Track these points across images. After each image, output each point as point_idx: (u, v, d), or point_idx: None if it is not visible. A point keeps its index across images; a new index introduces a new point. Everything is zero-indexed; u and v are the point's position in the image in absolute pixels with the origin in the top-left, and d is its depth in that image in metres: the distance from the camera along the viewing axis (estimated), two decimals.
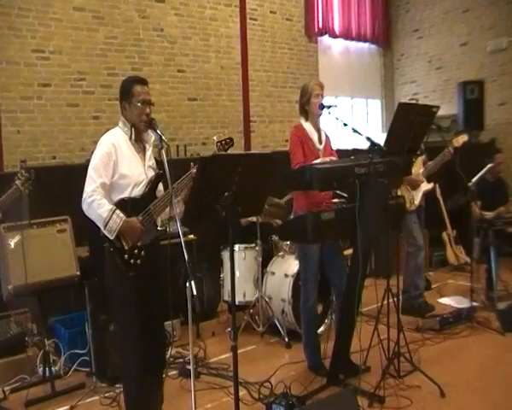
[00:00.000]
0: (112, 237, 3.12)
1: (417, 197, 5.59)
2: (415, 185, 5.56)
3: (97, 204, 3.09)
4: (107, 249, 3.20)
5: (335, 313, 4.42)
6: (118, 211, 3.11)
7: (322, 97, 4.17)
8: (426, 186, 5.67)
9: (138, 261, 3.20)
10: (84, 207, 3.14)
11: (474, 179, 5.83)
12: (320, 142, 4.23)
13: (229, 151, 3.60)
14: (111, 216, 3.08)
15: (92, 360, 4.50)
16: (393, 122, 3.87)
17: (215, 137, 3.58)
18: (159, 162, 3.28)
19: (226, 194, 2.81)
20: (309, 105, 4.16)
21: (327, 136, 4.35)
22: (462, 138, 5.54)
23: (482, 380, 4.18)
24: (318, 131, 4.27)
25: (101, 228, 3.11)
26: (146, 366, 3.24)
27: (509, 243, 6.12)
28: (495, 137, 8.94)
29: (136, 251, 3.20)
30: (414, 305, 5.62)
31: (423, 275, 5.79)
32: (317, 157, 4.12)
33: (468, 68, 9.52)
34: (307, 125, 4.20)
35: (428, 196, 5.90)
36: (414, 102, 5.48)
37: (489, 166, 6.06)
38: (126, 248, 3.18)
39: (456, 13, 9.68)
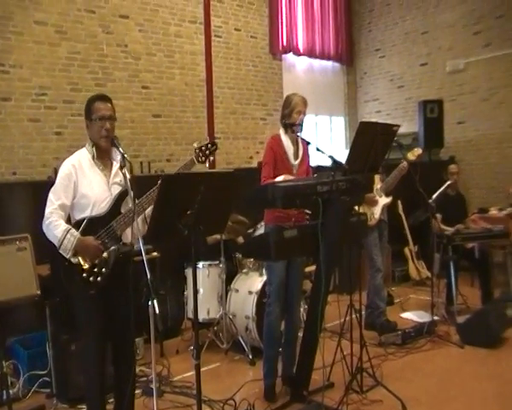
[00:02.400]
0: (67, 257, 3.13)
1: (377, 212, 5.66)
2: (371, 203, 5.64)
3: (53, 225, 3.13)
4: (67, 269, 3.18)
5: (285, 327, 4.38)
6: (72, 230, 3.13)
7: (304, 115, 4.15)
8: (385, 200, 5.74)
9: (99, 279, 3.17)
10: (44, 229, 3.18)
11: (434, 196, 5.97)
12: (296, 157, 4.17)
13: (203, 163, 3.41)
14: (65, 236, 3.10)
15: (53, 381, 4.40)
16: (355, 140, 3.95)
17: (195, 144, 3.40)
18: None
19: (188, 212, 2.81)
20: (290, 119, 4.12)
21: (306, 152, 4.28)
22: (417, 151, 5.67)
23: (443, 393, 4.26)
24: (296, 144, 4.21)
25: (58, 248, 3.13)
26: (115, 384, 3.25)
27: (467, 258, 6.28)
28: (454, 154, 9.17)
29: (96, 269, 3.18)
30: (376, 324, 5.67)
31: (384, 293, 5.83)
32: (290, 171, 4.08)
33: (428, 88, 9.77)
34: (285, 138, 4.16)
35: (391, 212, 5.99)
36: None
37: (448, 183, 6.21)
38: (85, 266, 3.16)
39: (416, 34, 9.94)
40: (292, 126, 4.09)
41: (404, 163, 5.55)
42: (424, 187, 5.43)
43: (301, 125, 4.12)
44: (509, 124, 8.75)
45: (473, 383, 4.42)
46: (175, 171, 3.35)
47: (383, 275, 5.77)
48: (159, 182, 3.17)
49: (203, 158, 3.34)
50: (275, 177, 3.98)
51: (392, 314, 6.12)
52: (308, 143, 3.93)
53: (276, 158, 4.07)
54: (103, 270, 3.19)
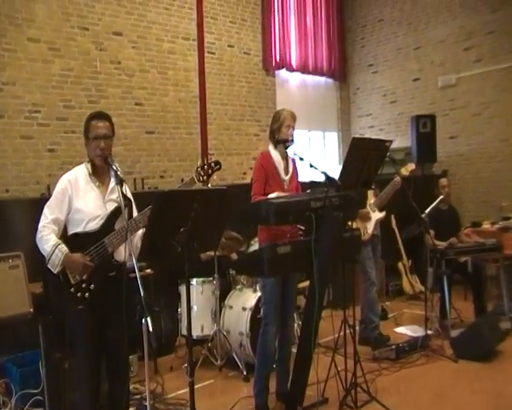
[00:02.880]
0: (55, 272, 3.17)
1: (370, 227, 5.68)
2: (365, 218, 5.66)
3: (44, 239, 3.19)
4: (56, 284, 3.22)
5: (279, 343, 4.37)
6: (61, 246, 3.17)
7: (293, 129, 4.16)
8: (378, 215, 5.77)
9: (86, 295, 3.19)
10: (37, 243, 3.24)
11: (427, 211, 5.99)
12: (286, 172, 4.18)
13: (204, 183, 3.41)
14: (54, 251, 3.14)
15: (46, 400, 4.35)
16: (348, 156, 3.97)
17: (199, 163, 3.38)
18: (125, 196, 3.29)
19: (182, 229, 2.82)
20: (279, 134, 4.12)
21: (295, 166, 4.30)
22: (410, 166, 5.70)
23: (437, 407, 4.27)
24: (286, 160, 4.23)
25: (46, 263, 3.18)
26: (109, 401, 3.28)
27: (460, 272, 6.30)
28: (447, 168, 9.23)
29: (84, 285, 3.20)
30: (370, 338, 5.67)
31: (378, 308, 5.84)
32: (282, 187, 4.09)
33: (421, 103, 9.86)
34: (274, 153, 4.16)
35: (384, 226, 6.01)
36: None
37: (440, 198, 6.24)
38: (73, 281, 3.19)
39: (409, 50, 10.04)
40: (285, 142, 4.10)
41: (398, 178, 5.58)
42: (417, 201, 5.45)
43: (292, 140, 4.14)
44: (500, 138, 8.83)
45: (467, 397, 4.41)
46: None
47: (377, 289, 5.78)
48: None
49: (204, 177, 3.31)
50: (266, 193, 3.99)
51: (386, 329, 6.12)
52: (301, 159, 3.94)
53: (267, 174, 4.07)
54: (91, 286, 3.21)
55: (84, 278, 3.20)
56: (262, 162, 4.14)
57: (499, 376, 4.81)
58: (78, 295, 3.19)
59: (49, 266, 3.18)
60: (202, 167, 3.32)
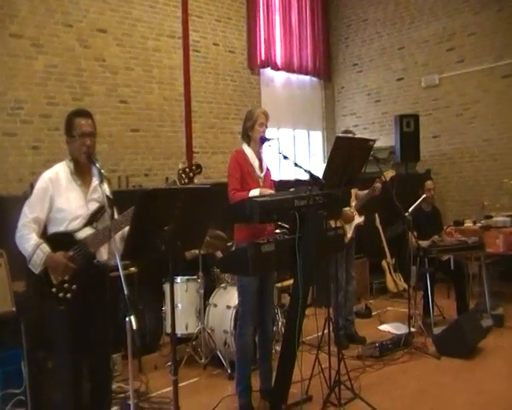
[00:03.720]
0: (36, 272, 3.12)
1: (350, 231, 5.73)
2: (348, 219, 5.69)
3: (25, 239, 3.13)
4: (38, 284, 3.18)
5: (259, 342, 4.38)
6: (42, 246, 3.12)
7: (267, 127, 4.20)
8: (358, 219, 5.82)
9: (68, 295, 3.16)
10: (16, 241, 3.19)
11: (410, 209, 6.04)
12: (261, 169, 4.23)
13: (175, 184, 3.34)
14: (35, 251, 3.09)
15: (28, 400, 4.31)
16: (331, 155, 3.99)
17: (180, 165, 3.36)
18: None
19: (166, 228, 2.82)
20: (252, 131, 4.17)
21: (267, 167, 4.36)
22: (391, 173, 5.71)
23: (420, 404, 4.31)
24: (260, 158, 4.27)
25: (27, 263, 3.12)
26: (91, 401, 3.25)
27: (443, 270, 6.36)
28: (430, 168, 9.32)
29: (66, 285, 3.17)
30: (337, 337, 5.46)
31: (343, 311, 5.76)
32: (258, 184, 4.13)
33: (405, 102, 9.94)
34: (249, 151, 4.21)
35: (368, 225, 6.05)
36: (350, 135, 5.60)
37: (423, 196, 6.30)
38: (54, 282, 3.15)
39: (393, 49, 10.12)
40: (266, 141, 4.12)
41: (379, 185, 5.61)
42: (401, 200, 5.50)
43: (263, 140, 4.15)
44: (482, 138, 8.93)
45: (449, 393, 4.47)
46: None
47: (344, 293, 5.76)
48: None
49: (186, 180, 3.29)
50: (243, 190, 4.00)
51: (369, 326, 6.19)
52: (285, 158, 3.96)
53: (242, 171, 4.11)
54: (73, 286, 3.18)
55: (66, 278, 3.16)
56: (236, 158, 4.18)
57: (481, 372, 4.87)
58: (60, 295, 3.15)
59: (30, 266, 3.13)
60: (184, 170, 3.31)
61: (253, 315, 4.17)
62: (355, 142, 4.32)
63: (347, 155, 3.95)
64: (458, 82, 9.17)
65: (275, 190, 4.31)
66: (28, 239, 3.12)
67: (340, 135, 5.25)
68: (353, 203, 5.76)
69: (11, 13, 6.51)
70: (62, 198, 3.23)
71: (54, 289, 3.15)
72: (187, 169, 3.32)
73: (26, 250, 3.13)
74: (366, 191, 5.73)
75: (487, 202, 7.85)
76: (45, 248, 3.13)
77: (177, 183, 3.31)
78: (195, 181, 3.33)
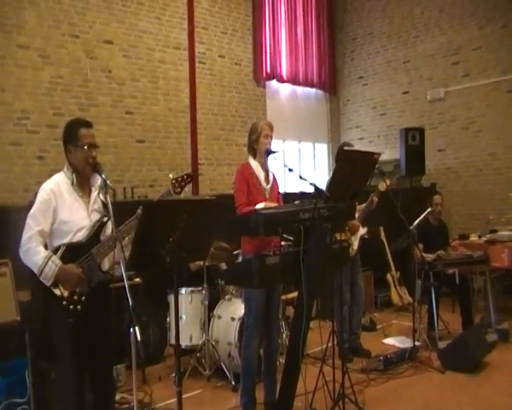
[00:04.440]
0: (48, 284, 3.09)
1: (355, 243, 5.72)
2: (354, 229, 5.68)
3: (33, 251, 3.09)
4: (46, 296, 3.15)
5: (264, 354, 4.37)
6: (54, 258, 3.10)
7: (271, 138, 4.22)
8: (362, 231, 5.80)
9: (78, 307, 3.15)
10: (21, 254, 3.14)
11: (415, 223, 6.03)
12: (267, 182, 4.25)
13: (178, 194, 3.42)
14: (46, 263, 3.06)
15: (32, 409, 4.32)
16: (336, 168, 3.99)
17: (171, 175, 3.41)
18: (104, 205, 3.27)
19: (171, 239, 2.82)
20: (257, 144, 4.19)
21: (274, 177, 4.37)
22: (384, 184, 5.65)
23: None
24: (266, 170, 4.29)
25: (38, 275, 3.08)
26: None
27: (448, 284, 6.33)
28: (435, 181, 9.31)
29: (76, 297, 3.15)
30: (342, 350, 5.58)
31: (347, 325, 5.76)
32: (264, 196, 4.15)
33: (410, 115, 9.96)
34: (254, 164, 4.23)
35: (373, 238, 6.03)
36: (350, 147, 5.60)
37: (428, 210, 6.28)
38: (65, 295, 3.13)
39: (398, 63, 10.15)
40: (271, 153, 4.14)
41: (375, 198, 5.61)
42: (406, 214, 5.48)
43: (268, 153, 4.18)
44: (487, 152, 8.93)
45: (453, 407, 4.44)
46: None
47: (348, 307, 5.72)
48: (138, 211, 3.18)
49: (179, 189, 3.33)
50: (250, 203, 4.03)
51: (374, 340, 6.15)
52: (290, 171, 3.96)
53: (248, 184, 4.13)
54: (83, 298, 3.17)
55: (76, 290, 3.15)
56: (242, 171, 4.20)
57: (485, 387, 4.84)
58: (71, 307, 3.14)
59: (41, 279, 3.09)
60: (176, 179, 3.36)
61: (259, 327, 4.18)
62: (360, 155, 4.31)
63: (352, 168, 3.93)
64: (464, 96, 9.18)
65: (282, 201, 4.33)
66: (37, 252, 3.09)
67: (346, 148, 5.23)
68: (356, 215, 5.74)
69: (19, 24, 6.57)
70: (66, 210, 3.20)
71: (64, 302, 3.13)
72: (179, 178, 3.36)
73: (35, 263, 3.08)
74: (364, 205, 5.71)
75: (492, 216, 7.82)
76: (56, 260, 3.10)
77: (172, 192, 3.33)
78: (186, 189, 3.37)
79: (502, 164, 8.79)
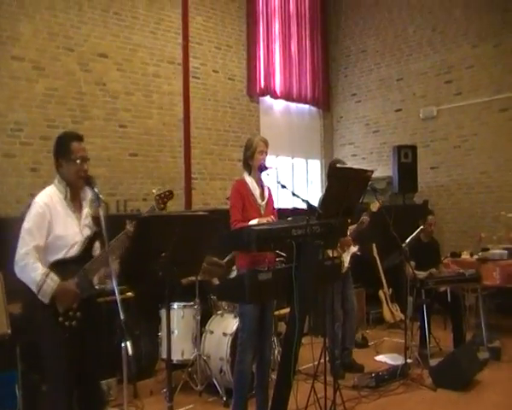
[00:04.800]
0: (46, 301, 3.06)
1: (346, 260, 5.72)
2: (346, 246, 5.69)
3: (31, 268, 3.05)
4: (41, 312, 3.12)
5: (257, 370, 4.35)
6: (52, 274, 3.07)
7: (266, 154, 4.24)
8: (353, 249, 5.82)
9: (74, 323, 3.13)
10: (17, 270, 3.09)
11: (408, 240, 6.05)
12: (262, 198, 4.26)
13: (167, 210, 3.48)
14: (45, 280, 3.03)
15: None
16: (329, 185, 4.01)
17: (154, 191, 3.47)
18: (94, 219, 3.26)
19: (163, 254, 2.81)
20: (253, 160, 4.20)
21: (270, 193, 4.38)
22: (376, 205, 5.64)
23: None
24: (261, 186, 4.30)
25: (35, 292, 3.05)
26: None
27: (440, 301, 6.34)
28: (428, 199, 9.36)
29: (71, 313, 3.13)
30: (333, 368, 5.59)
31: (337, 341, 5.75)
32: (259, 213, 4.15)
33: (403, 133, 10.02)
34: (250, 180, 4.24)
35: (365, 255, 6.04)
36: (342, 165, 5.63)
37: (420, 228, 6.30)
38: (60, 310, 3.11)
39: (391, 81, 10.23)
40: (265, 169, 4.16)
41: (367, 218, 5.62)
42: (398, 231, 5.50)
43: (261, 169, 4.19)
44: (479, 170, 9.00)
45: None
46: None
47: (340, 324, 5.71)
48: (127, 226, 3.16)
49: (162, 205, 3.36)
50: (244, 220, 4.03)
51: (366, 357, 6.13)
52: (283, 187, 3.97)
53: (243, 200, 4.14)
54: (78, 313, 3.15)
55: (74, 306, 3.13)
56: (237, 188, 4.21)
57: (476, 405, 4.83)
58: (66, 324, 3.12)
59: (39, 296, 3.05)
60: (160, 196, 3.40)
61: (253, 342, 4.16)
62: (352, 172, 4.34)
63: (345, 185, 3.95)
64: (456, 114, 9.27)
65: (277, 216, 4.33)
66: (35, 268, 3.05)
67: (339, 166, 5.25)
68: (348, 233, 5.74)
69: (14, 36, 6.59)
70: (60, 224, 3.18)
71: (61, 318, 3.11)
72: (161, 194, 3.40)
73: (32, 280, 3.04)
74: (354, 226, 5.72)
75: (484, 234, 7.85)
76: (55, 277, 3.07)
77: (155, 208, 3.36)
78: (168, 205, 3.41)
79: (493, 182, 8.86)
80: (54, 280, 3.06)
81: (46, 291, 3.03)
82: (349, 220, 5.66)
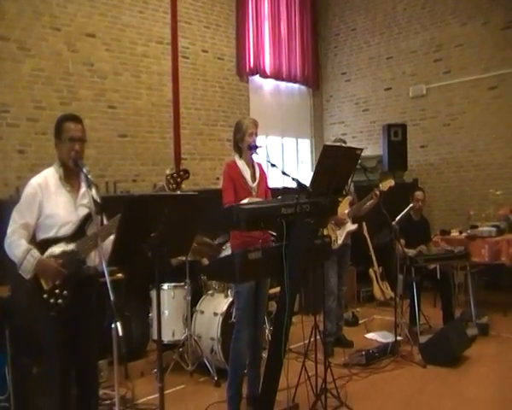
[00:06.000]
0: (27, 277, 3.09)
1: (341, 237, 5.73)
2: (340, 224, 5.71)
3: (15, 245, 3.11)
4: (27, 289, 3.15)
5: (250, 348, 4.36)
6: (33, 251, 3.10)
7: (256, 135, 4.22)
8: (350, 227, 5.81)
9: (60, 301, 3.13)
10: (6, 248, 3.15)
11: (398, 218, 6.07)
12: (254, 179, 4.24)
13: (174, 191, 3.30)
14: (25, 256, 3.07)
15: (12, 407, 4.27)
16: (319, 164, 4.00)
17: (167, 171, 3.32)
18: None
19: (152, 234, 2.80)
20: (243, 142, 4.17)
21: (262, 170, 4.36)
22: (389, 183, 5.73)
23: None
24: (253, 167, 4.28)
25: (18, 268, 3.09)
26: (77, 407, 3.26)
27: (429, 278, 6.39)
28: (417, 177, 9.39)
29: (57, 291, 3.14)
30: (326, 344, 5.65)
31: (334, 316, 5.77)
32: (250, 195, 4.12)
33: (393, 112, 10.01)
34: (240, 163, 4.21)
35: (356, 233, 6.06)
36: (340, 143, 5.64)
37: (410, 205, 6.33)
38: (45, 288, 3.12)
39: (381, 59, 10.19)
40: (255, 148, 4.14)
41: (376, 192, 5.62)
42: (388, 209, 5.53)
43: (251, 148, 4.16)
44: (469, 149, 9.03)
45: (434, 401, 4.49)
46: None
47: (335, 298, 5.76)
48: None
49: (174, 186, 3.28)
50: (236, 201, 4.00)
51: (356, 334, 6.19)
52: (273, 166, 3.96)
53: (234, 183, 4.13)
54: (64, 292, 3.15)
55: (57, 283, 3.13)
56: (228, 171, 4.19)
57: (465, 380, 4.91)
58: (51, 301, 3.13)
59: (20, 272, 3.10)
60: (172, 176, 3.29)
61: (249, 320, 4.18)
62: (342, 150, 4.34)
63: (334, 163, 3.95)
64: (445, 93, 9.26)
65: (271, 196, 4.33)
66: (18, 245, 3.10)
67: (328, 143, 5.26)
68: (346, 211, 5.76)
69: None
70: (52, 204, 3.20)
71: (45, 295, 3.12)
72: (174, 174, 3.30)
73: (16, 256, 3.10)
74: (363, 201, 5.73)
75: (473, 211, 7.91)
76: (36, 253, 3.10)
77: (166, 188, 3.29)
78: (183, 186, 3.31)
79: (482, 160, 8.90)
80: (34, 256, 3.09)
81: (26, 267, 3.08)
82: (349, 198, 5.76)
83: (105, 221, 3.36)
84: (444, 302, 6.33)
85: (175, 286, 5.38)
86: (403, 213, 6.21)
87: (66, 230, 3.21)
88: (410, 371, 5.18)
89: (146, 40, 8.00)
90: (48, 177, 3.27)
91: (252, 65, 9.53)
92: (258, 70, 9.66)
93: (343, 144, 5.62)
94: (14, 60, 6.59)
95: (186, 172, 3.34)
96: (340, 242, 5.71)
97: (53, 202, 3.21)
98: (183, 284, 5.37)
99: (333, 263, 5.63)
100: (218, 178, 8.75)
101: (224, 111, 9.10)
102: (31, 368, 4.17)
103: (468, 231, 7.30)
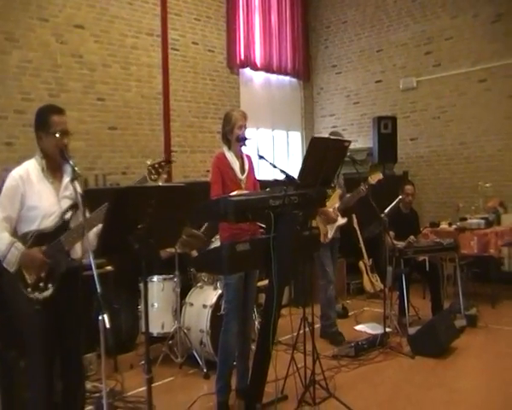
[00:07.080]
0: (12, 270, 3.07)
1: (331, 231, 5.76)
2: (330, 221, 5.73)
3: None
4: (11, 282, 3.12)
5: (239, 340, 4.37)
6: (17, 244, 3.08)
7: (245, 128, 4.21)
8: (340, 221, 5.84)
9: (44, 294, 3.12)
10: None
11: (386, 210, 6.09)
12: (242, 171, 4.24)
13: (155, 181, 3.29)
14: (9, 249, 3.04)
15: None
16: (307, 156, 4.01)
17: (148, 162, 3.32)
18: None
19: (140, 226, 2.79)
20: (232, 135, 4.17)
21: (250, 162, 4.35)
22: (378, 176, 5.75)
23: (394, 403, 4.35)
24: (241, 159, 4.28)
25: (1, 261, 3.07)
26: (63, 400, 3.25)
27: (418, 270, 6.42)
28: (407, 170, 9.42)
29: (41, 284, 3.12)
30: (328, 333, 5.84)
31: (336, 305, 5.90)
32: (239, 187, 4.12)
33: (383, 104, 10.02)
34: (229, 155, 4.21)
35: (345, 226, 6.08)
36: (333, 137, 5.64)
37: (399, 198, 6.36)
38: (29, 281, 3.11)
39: (371, 51, 10.19)
40: (244, 140, 4.14)
41: (363, 187, 5.64)
42: (378, 201, 5.54)
43: (239, 139, 4.16)
44: (458, 141, 9.06)
45: (422, 391, 4.52)
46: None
47: (334, 287, 5.84)
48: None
49: (156, 176, 3.26)
50: (225, 194, 3.99)
51: (346, 327, 6.21)
52: (261, 158, 3.96)
53: (223, 175, 4.13)
54: (49, 285, 3.14)
55: (41, 276, 3.12)
56: (217, 164, 4.19)
57: (453, 371, 4.95)
58: (36, 294, 3.11)
59: (4, 265, 3.08)
60: (153, 166, 3.27)
61: (239, 312, 4.18)
62: (330, 142, 4.33)
63: (322, 155, 3.95)
64: (435, 85, 9.28)
65: (260, 188, 4.33)
66: (1, 238, 3.08)
67: (316, 136, 5.26)
68: (336, 205, 5.78)
69: None
70: (34, 196, 3.17)
71: (29, 289, 3.11)
72: (156, 165, 3.29)
73: None
74: (352, 194, 5.75)
75: (462, 204, 7.95)
76: (19, 245, 3.08)
77: (147, 178, 3.27)
78: (164, 176, 3.31)
79: (472, 153, 8.94)
80: (18, 249, 3.06)
81: (10, 260, 3.05)
82: (339, 191, 5.77)
83: (87, 214, 3.33)
84: (433, 294, 6.37)
85: (164, 278, 5.39)
86: (391, 205, 6.23)
87: (49, 222, 3.19)
88: (398, 362, 5.22)
89: (135, 32, 7.93)
90: (29, 168, 3.23)
91: (242, 57, 9.49)
92: (249, 62, 9.63)
93: (339, 138, 5.63)
94: (2, 51, 6.52)
95: (168, 162, 3.37)
96: (330, 236, 5.74)
97: (36, 194, 3.18)
98: (172, 276, 5.37)
99: (328, 252, 5.71)
100: (208, 171, 8.67)
101: (215, 103, 9.07)
102: (18, 362, 4.15)
103: (458, 224, 7.35)
